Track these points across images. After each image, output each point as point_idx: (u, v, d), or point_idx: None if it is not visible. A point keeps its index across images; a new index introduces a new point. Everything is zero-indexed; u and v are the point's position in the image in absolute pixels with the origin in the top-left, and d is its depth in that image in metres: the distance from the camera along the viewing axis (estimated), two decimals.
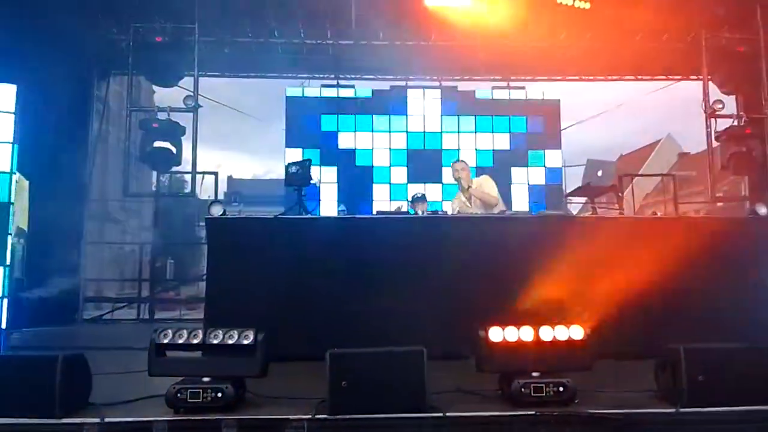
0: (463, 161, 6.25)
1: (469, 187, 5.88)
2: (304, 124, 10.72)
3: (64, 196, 7.95)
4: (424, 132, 10.94)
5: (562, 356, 3.21)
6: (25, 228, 8.10)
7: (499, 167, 10.54)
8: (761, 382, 3.01)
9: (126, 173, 8.86)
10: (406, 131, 10.93)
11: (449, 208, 6.28)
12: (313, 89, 10.94)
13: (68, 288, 7.88)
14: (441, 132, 10.96)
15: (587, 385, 3.20)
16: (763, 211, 4.98)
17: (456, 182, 6.08)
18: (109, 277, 12.11)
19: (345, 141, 10.79)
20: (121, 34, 8.96)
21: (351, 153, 10.77)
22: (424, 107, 11.02)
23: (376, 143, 10.83)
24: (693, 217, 6.90)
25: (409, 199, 7.05)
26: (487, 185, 5.96)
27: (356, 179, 10.62)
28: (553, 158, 10.93)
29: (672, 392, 3.08)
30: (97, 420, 2.87)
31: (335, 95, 10.85)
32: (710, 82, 8.83)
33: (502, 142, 10.95)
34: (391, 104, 10.99)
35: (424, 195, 6.91)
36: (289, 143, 10.60)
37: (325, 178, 10.57)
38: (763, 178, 8.49)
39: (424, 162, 10.80)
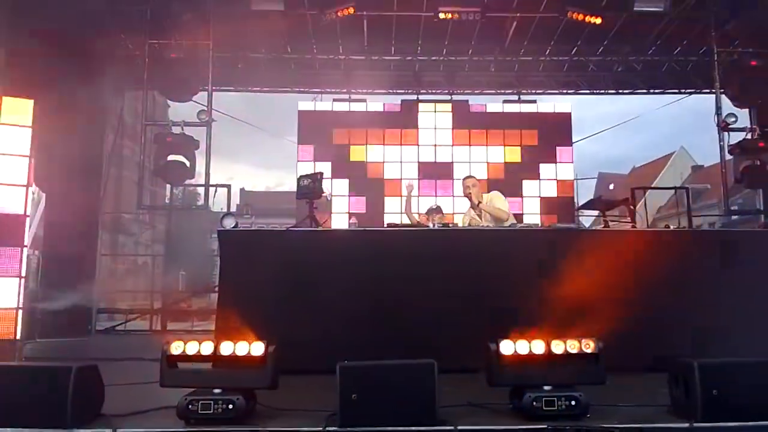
0: (473, 177, 6.25)
1: (479, 203, 5.88)
2: (316, 137, 10.80)
3: (78, 208, 8.05)
4: (435, 145, 10.98)
5: (574, 370, 3.19)
6: (41, 240, 8.21)
7: (510, 180, 10.56)
8: None
9: (140, 186, 8.96)
10: (417, 145, 10.97)
11: (461, 222, 6.25)
12: (325, 103, 11.03)
13: (81, 299, 7.94)
14: (452, 145, 10.98)
15: (600, 399, 3.17)
16: None
17: (467, 198, 6.08)
18: (121, 288, 12.20)
19: (356, 154, 10.85)
20: (137, 50, 9.11)
21: (362, 165, 10.82)
22: (435, 120, 11.05)
23: (388, 156, 10.87)
24: (707, 231, 6.83)
25: (425, 211, 7.04)
26: (497, 201, 5.96)
27: (367, 192, 10.67)
28: (564, 171, 10.90)
29: (686, 407, 3.03)
30: (109, 431, 2.88)
31: (347, 109, 10.93)
32: (723, 96, 8.80)
33: (513, 155, 10.94)
34: (403, 119, 11.03)
35: (439, 206, 6.93)
36: (302, 156, 10.69)
37: (337, 191, 10.62)
38: None
39: (435, 175, 10.82)
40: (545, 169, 10.86)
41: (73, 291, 7.49)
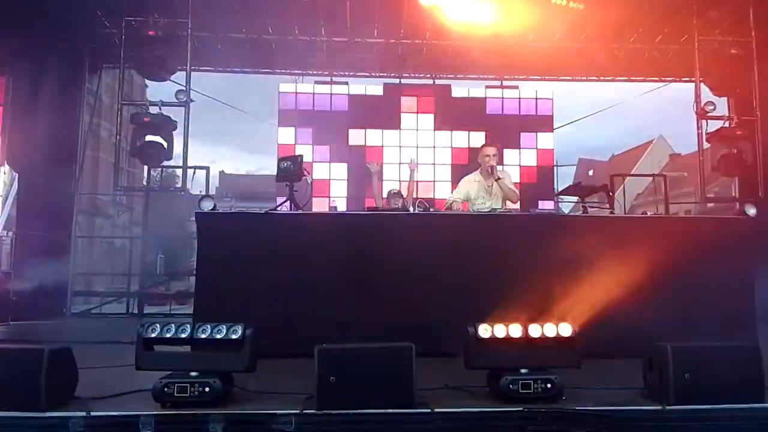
0: (495, 146, 5.79)
1: (499, 178, 5.56)
2: (297, 119, 10.70)
3: (53, 189, 7.90)
4: (417, 129, 10.94)
5: (551, 353, 3.23)
6: (14, 221, 8.05)
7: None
8: (747, 380, 3.04)
9: (116, 167, 8.82)
10: (399, 129, 10.92)
11: (464, 189, 5.81)
12: (307, 85, 10.91)
13: (56, 282, 7.82)
14: (433, 130, 10.96)
15: (575, 382, 3.21)
16: (752, 211, 5.01)
17: (481, 167, 5.68)
18: (98, 271, 12.03)
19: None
20: (114, 27, 8.90)
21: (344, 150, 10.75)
22: (416, 105, 11.00)
23: (369, 140, 10.82)
24: (683, 217, 6.94)
25: (385, 194, 7.00)
26: (509, 179, 5.72)
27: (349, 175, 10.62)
28: (545, 156, 10.95)
29: (659, 390, 3.09)
30: (83, 414, 2.84)
31: (328, 92, 10.82)
32: (702, 84, 8.87)
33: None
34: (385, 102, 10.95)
35: (399, 191, 6.94)
36: (282, 138, 10.59)
37: (335, 175, 10.55)
38: (753, 179, 8.54)
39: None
40: (526, 154, 10.91)
41: (48, 273, 7.38)
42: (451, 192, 6.20)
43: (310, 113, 10.77)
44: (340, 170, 10.71)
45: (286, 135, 10.67)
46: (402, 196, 6.67)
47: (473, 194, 5.72)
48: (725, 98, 9.39)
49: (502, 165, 5.82)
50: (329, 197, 10.34)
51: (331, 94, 10.82)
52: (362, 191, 10.44)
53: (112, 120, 9.16)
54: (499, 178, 5.59)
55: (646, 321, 4.37)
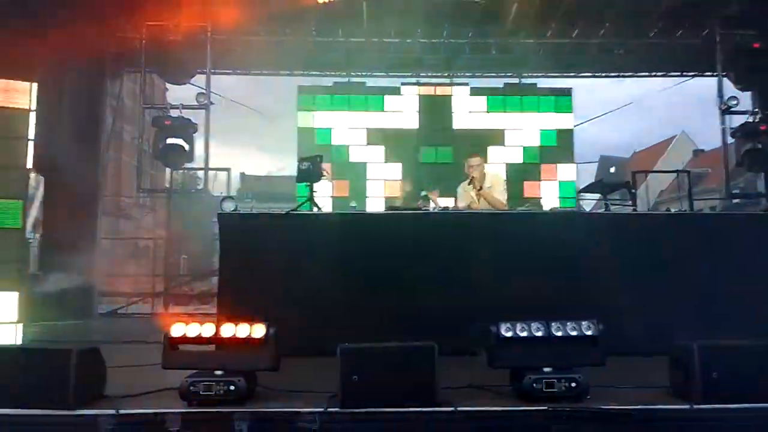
0: (479, 157, 6.08)
1: (481, 188, 5.80)
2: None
3: (78, 192, 8.04)
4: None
5: (574, 352, 3.20)
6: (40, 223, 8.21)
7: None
8: None
9: (139, 169, 8.94)
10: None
11: (458, 195, 6.11)
12: (325, 86, 10.92)
13: (83, 283, 7.95)
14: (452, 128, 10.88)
15: (600, 381, 3.18)
16: None
17: (468, 176, 5.97)
18: (123, 272, 12.23)
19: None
20: (135, 32, 9.03)
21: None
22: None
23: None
24: (708, 214, 6.83)
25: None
26: (498, 188, 5.89)
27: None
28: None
29: (686, 389, 3.05)
30: (111, 412, 2.89)
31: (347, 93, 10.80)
32: (725, 79, 8.73)
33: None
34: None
35: (426, 194, 6.93)
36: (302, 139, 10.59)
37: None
38: None
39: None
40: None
41: (74, 274, 7.51)
42: None
43: (331, 115, 10.74)
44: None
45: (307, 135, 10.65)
46: (426, 200, 6.68)
47: (462, 202, 5.93)
48: (749, 92, 9.25)
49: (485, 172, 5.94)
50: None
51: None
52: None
53: (134, 123, 9.28)
54: (480, 188, 5.79)
55: (671, 319, 4.33)
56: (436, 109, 10.78)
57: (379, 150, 10.60)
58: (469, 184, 5.95)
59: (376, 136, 10.60)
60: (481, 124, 10.76)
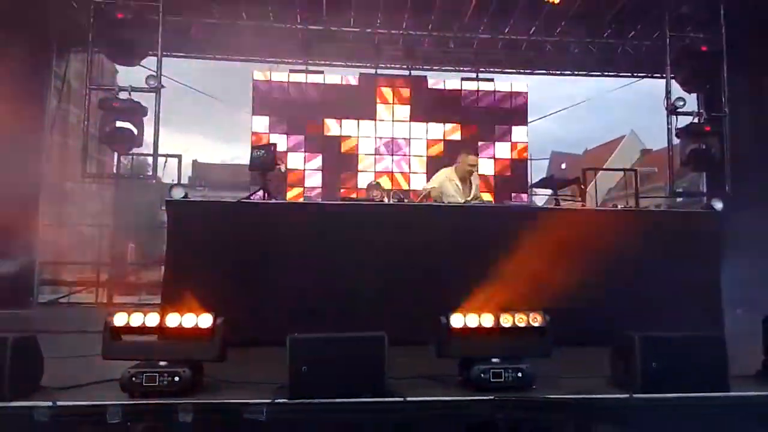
0: (476, 156, 6.15)
1: (471, 192, 5.83)
2: (273, 107, 10.57)
3: (18, 175, 7.67)
4: (393, 121, 10.90)
5: (522, 343, 3.27)
6: None
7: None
8: (712, 369, 3.11)
9: (84, 152, 8.58)
10: (375, 120, 10.86)
11: (439, 182, 5.92)
12: (281, 73, 10.77)
13: (22, 270, 7.63)
14: (409, 121, 10.92)
15: (545, 371, 3.25)
16: (719, 206, 5.13)
17: (457, 168, 5.90)
18: (66, 260, 11.78)
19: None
20: (82, 9, 8.66)
21: (319, 138, 10.66)
22: (392, 96, 10.94)
23: (344, 131, 10.76)
24: (652, 211, 7.06)
25: (365, 186, 7.04)
26: (477, 187, 6.04)
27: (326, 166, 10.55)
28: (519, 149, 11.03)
29: (626, 378, 3.15)
30: (48, 403, 2.78)
31: (303, 80, 10.70)
32: (673, 80, 9.02)
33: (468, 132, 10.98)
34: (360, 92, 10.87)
35: (378, 182, 6.97)
36: (256, 127, 10.46)
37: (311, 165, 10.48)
38: (721, 174, 8.72)
39: (391, 150, 10.78)
40: (501, 147, 10.96)
41: (13, 261, 7.19)
42: (426, 182, 6.27)
43: (284, 102, 10.62)
44: (316, 160, 10.61)
45: (261, 124, 10.52)
46: (379, 188, 6.68)
47: (447, 191, 5.83)
48: (695, 94, 9.59)
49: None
50: (303, 187, 10.27)
51: (306, 83, 10.68)
52: (336, 181, 10.44)
53: (82, 106, 8.89)
54: (471, 192, 5.83)
55: (614, 311, 4.45)
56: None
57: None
58: (457, 174, 5.88)
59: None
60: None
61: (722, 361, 3.14)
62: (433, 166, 9.58)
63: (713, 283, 5.01)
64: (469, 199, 5.71)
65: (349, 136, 10.74)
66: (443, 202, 5.46)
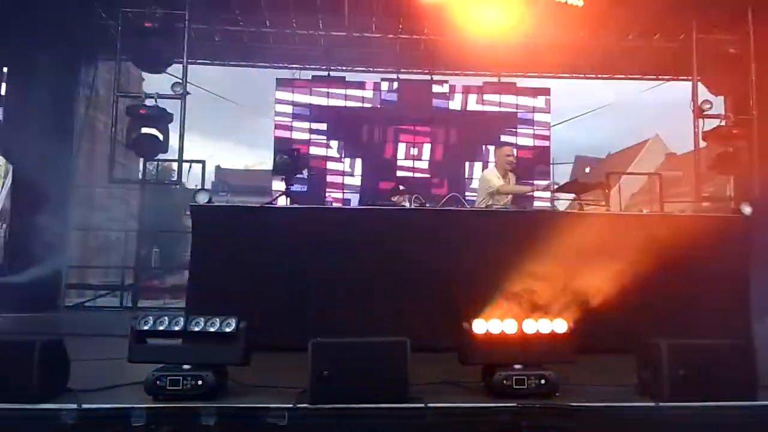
0: (510, 147, 6.20)
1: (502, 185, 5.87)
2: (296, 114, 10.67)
3: (48, 180, 7.84)
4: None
5: (545, 349, 3.22)
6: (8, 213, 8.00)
7: None
8: (741, 377, 3.04)
9: (111, 159, 8.75)
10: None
11: (495, 183, 6.00)
12: (304, 80, 10.86)
13: (50, 274, 7.78)
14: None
15: (569, 378, 3.21)
16: (747, 210, 5.02)
17: (497, 163, 6.01)
18: (93, 264, 11.99)
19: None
20: (110, 19, 8.84)
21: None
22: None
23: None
24: (678, 215, 6.94)
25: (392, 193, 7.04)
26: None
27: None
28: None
29: (653, 386, 3.09)
30: (74, 406, 2.82)
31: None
32: (699, 83, 8.87)
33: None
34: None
35: (405, 187, 6.95)
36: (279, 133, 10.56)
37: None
38: (749, 178, 8.55)
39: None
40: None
41: (42, 265, 7.34)
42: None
43: (307, 108, 10.71)
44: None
45: (284, 130, 10.61)
46: (401, 192, 6.68)
47: (497, 189, 5.90)
48: (722, 97, 9.41)
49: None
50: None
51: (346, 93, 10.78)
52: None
53: (109, 113, 9.07)
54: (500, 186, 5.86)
55: (641, 318, 4.39)
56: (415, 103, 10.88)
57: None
58: (503, 175, 5.95)
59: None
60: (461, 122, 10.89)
61: (752, 368, 3.06)
62: None
63: (742, 289, 4.89)
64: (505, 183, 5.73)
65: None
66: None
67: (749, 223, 5.01)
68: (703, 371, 3.02)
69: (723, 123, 8.65)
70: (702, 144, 8.89)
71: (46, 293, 8.00)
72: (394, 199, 6.44)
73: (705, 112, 8.66)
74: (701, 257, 4.75)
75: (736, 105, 9.02)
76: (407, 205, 5.59)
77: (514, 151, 6.07)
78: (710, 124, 8.74)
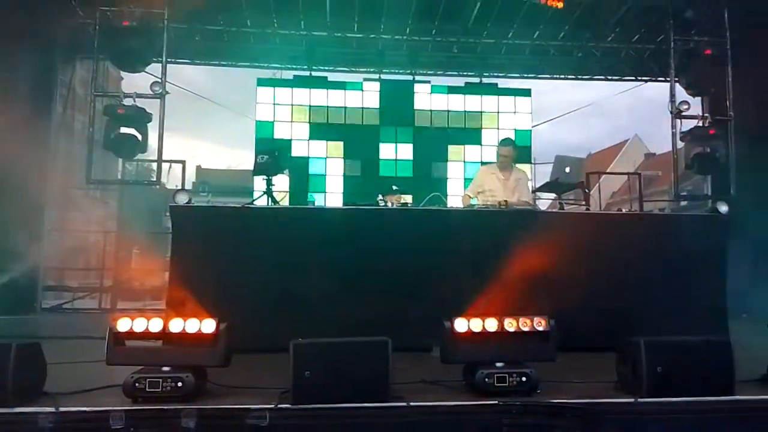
0: (508, 147, 6.00)
1: (515, 194, 5.74)
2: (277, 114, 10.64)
3: (24, 181, 7.70)
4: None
5: (526, 347, 3.26)
6: None
7: None
8: (717, 373, 3.09)
9: (89, 160, 8.61)
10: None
11: (479, 180, 6.00)
12: (285, 80, 10.83)
13: (26, 276, 7.64)
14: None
15: (550, 375, 3.23)
16: (723, 209, 5.10)
17: (500, 164, 5.94)
18: (72, 266, 11.80)
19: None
20: (88, 17, 8.71)
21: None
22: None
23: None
24: (656, 215, 7.04)
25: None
26: (524, 185, 5.98)
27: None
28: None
29: (632, 383, 3.13)
30: (51, 409, 2.78)
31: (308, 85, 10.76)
32: (677, 84, 8.99)
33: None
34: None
35: (398, 188, 6.92)
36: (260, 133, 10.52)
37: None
38: (725, 178, 8.69)
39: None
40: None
41: (18, 267, 7.20)
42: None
43: (288, 108, 10.69)
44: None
45: (265, 129, 10.57)
46: (398, 193, 6.67)
47: (487, 185, 5.84)
48: (699, 98, 9.55)
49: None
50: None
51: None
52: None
53: (87, 113, 8.93)
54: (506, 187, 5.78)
55: (620, 316, 4.43)
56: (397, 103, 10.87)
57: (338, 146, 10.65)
58: (498, 167, 5.92)
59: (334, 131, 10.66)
60: (443, 122, 10.94)
61: (728, 365, 3.12)
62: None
63: (718, 286, 4.98)
64: (512, 200, 5.68)
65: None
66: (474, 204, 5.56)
67: (726, 221, 5.10)
68: (680, 368, 3.07)
69: (700, 124, 8.77)
70: (680, 144, 9.01)
71: (23, 295, 7.85)
72: (383, 198, 6.41)
73: (683, 113, 8.77)
74: (679, 255, 4.82)
75: (713, 106, 9.15)
76: (390, 205, 5.60)
77: (511, 147, 5.95)
78: (688, 125, 8.86)
